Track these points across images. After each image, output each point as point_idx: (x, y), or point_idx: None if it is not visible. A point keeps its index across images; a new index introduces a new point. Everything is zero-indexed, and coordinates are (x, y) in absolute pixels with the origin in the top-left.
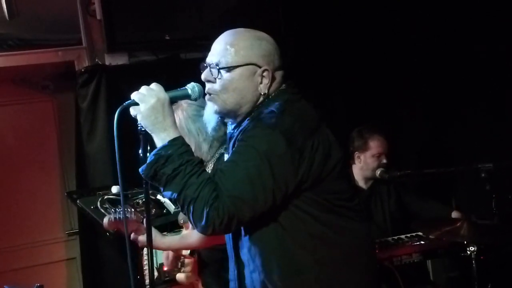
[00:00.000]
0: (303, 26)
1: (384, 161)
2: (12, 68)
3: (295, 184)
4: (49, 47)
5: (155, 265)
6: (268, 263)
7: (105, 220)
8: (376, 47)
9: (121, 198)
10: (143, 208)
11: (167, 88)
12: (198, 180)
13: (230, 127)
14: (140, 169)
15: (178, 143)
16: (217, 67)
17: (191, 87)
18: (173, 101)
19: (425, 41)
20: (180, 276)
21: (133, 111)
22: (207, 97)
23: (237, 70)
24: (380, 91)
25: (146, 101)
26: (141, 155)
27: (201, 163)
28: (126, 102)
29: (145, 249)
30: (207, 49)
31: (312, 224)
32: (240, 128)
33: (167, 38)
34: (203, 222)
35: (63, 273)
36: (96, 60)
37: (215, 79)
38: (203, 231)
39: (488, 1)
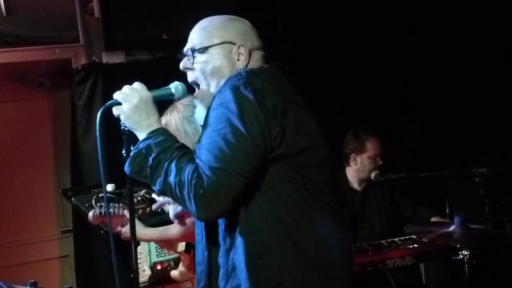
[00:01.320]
0: (300, 27)
1: (380, 162)
2: (8, 65)
3: (270, 148)
4: (46, 44)
5: (148, 264)
6: (241, 242)
7: (90, 214)
8: (372, 50)
9: (104, 196)
10: (137, 206)
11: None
12: (178, 164)
13: None
14: (125, 169)
15: (156, 133)
16: (193, 50)
17: (175, 86)
18: (156, 100)
19: (421, 44)
20: (174, 273)
21: (116, 111)
22: (195, 94)
23: (212, 50)
24: (375, 93)
25: (129, 100)
26: (124, 155)
27: (183, 147)
28: (108, 102)
29: (138, 248)
30: None
31: (281, 207)
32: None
33: (165, 37)
34: (193, 206)
35: (56, 270)
36: (93, 58)
37: (192, 64)
38: (199, 216)
39: (485, 9)
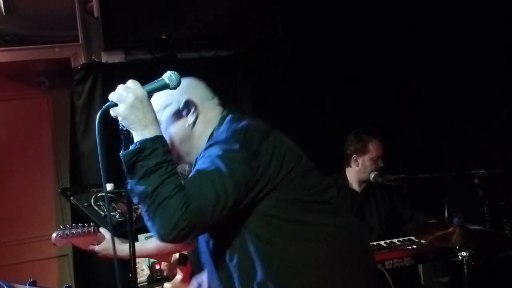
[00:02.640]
0: (300, 27)
1: (381, 164)
2: (7, 64)
3: (256, 186)
4: (45, 43)
5: (147, 263)
6: (249, 276)
7: (53, 235)
8: (372, 50)
9: (106, 199)
10: (136, 206)
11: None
12: (177, 182)
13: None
14: (120, 154)
15: (163, 140)
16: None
17: (168, 76)
18: (152, 94)
19: (421, 45)
20: (167, 286)
21: (112, 112)
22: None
23: (159, 115)
24: (375, 94)
25: (124, 100)
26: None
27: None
28: (105, 105)
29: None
30: (204, 48)
31: (286, 227)
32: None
33: (164, 37)
34: (170, 225)
35: (55, 269)
36: (93, 57)
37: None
38: (165, 233)
39: (484, 10)
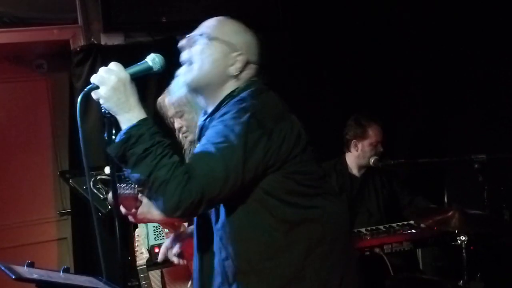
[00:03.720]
0: (300, 11)
1: (381, 149)
2: (6, 46)
3: (264, 166)
4: (44, 25)
5: (147, 246)
6: (242, 249)
7: (109, 196)
8: (373, 34)
9: (88, 186)
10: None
11: (163, 70)
12: (170, 161)
13: (201, 118)
14: (108, 149)
15: (149, 123)
16: (200, 35)
17: (151, 59)
18: (135, 76)
19: (420, 30)
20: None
21: (94, 95)
22: (185, 64)
23: (216, 43)
24: (375, 80)
25: (106, 83)
26: (106, 138)
27: (171, 145)
28: (87, 87)
29: (136, 230)
30: None
31: (282, 207)
32: (211, 119)
33: (164, 20)
34: (174, 204)
35: (54, 253)
36: (92, 39)
37: (194, 42)
38: (172, 212)
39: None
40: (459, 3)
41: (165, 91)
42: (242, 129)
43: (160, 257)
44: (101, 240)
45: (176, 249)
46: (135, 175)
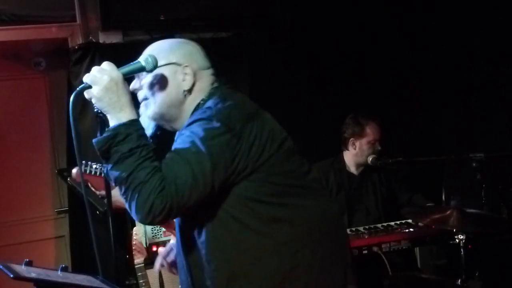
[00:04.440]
0: (299, 8)
1: (379, 147)
2: (4, 43)
3: (236, 169)
4: (42, 23)
5: (144, 245)
6: (228, 257)
7: (74, 170)
8: (372, 33)
9: (82, 182)
10: None
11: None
12: (152, 165)
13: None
14: (94, 140)
15: (138, 124)
16: (139, 73)
17: (144, 59)
18: (128, 76)
19: (419, 29)
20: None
21: (86, 94)
22: (142, 103)
23: (158, 71)
24: (373, 79)
25: (98, 82)
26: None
27: (155, 150)
28: (79, 87)
29: (134, 228)
30: (202, 30)
31: (264, 209)
32: (180, 133)
33: (162, 18)
34: (145, 209)
35: (51, 251)
36: (90, 37)
37: (140, 84)
38: (142, 217)
39: None
40: (458, 3)
41: None
42: (209, 134)
43: (156, 267)
44: (96, 238)
45: (170, 258)
46: (115, 173)
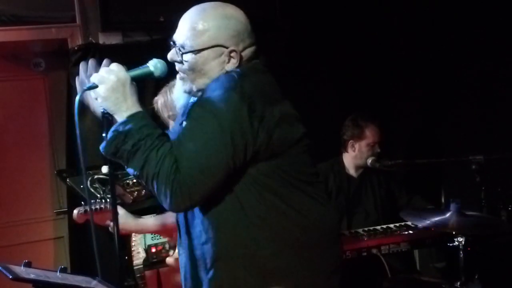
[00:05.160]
0: (299, 12)
1: (378, 150)
2: (3, 44)
3: (253, 152)
4: (42, 24)
5: (143, 246)
6: (222, 236)
7: (75, 212)
8: (370, 36)
9: (85, 187)
10: (133, 189)
11: (164, 76)
12: (158, 154)
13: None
14: (100, 147)
15: (137, 117)
16: (182, 51)
17: (153, 64)
18: (135, 80)
19: (419, 31)
20: (170, 260)
21: (93, 94)
22: (178, 75)
23: (202, 53)
24: (373, 80)
25: (105, 82)
26: (104, 137)
27: (163, 135)
28: (86, 86)
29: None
30: None
31: (270, 199)
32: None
33: (162, 19)
34: (167, 198)
35: (51, 251)
36: (90, 38)
37: (181, 60)
38: (169, 207)
39: None
40: (458, 5)
41: (160, 92)
42: (228, 113)
43: None
44: (96, 240)
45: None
46: (130, 171)
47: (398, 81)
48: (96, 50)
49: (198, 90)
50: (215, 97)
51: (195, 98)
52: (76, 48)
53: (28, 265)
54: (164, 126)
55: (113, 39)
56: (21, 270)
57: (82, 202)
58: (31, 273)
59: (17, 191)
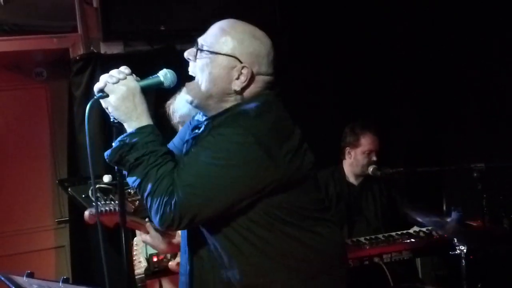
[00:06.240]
0: (299, 17)
1: (374, 158)
2: (5, 54)
3: (263, 190)
4: (44, 33)
5: (144, 256)
6: (234, 265)
7: (86, 213)
8: (370, 44)
9: (94, 193)
10: (134, 198)
11: (174, 86)
12: (158, 172)
13: (199, 116)
14: (105, 154)
15: (145, 131)
16: (201, 47)
17: (163, 74)
18: (145, 90)
19: (419, 39)
20: (172, 264)
21: (103, 103)
22: (185, 86)
23: (218, 57)
24: (373, 88)
25: (115, 91)
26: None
27: (167, 154)
28: (96, 95)
29: (135, 239)
30: None
31: (281, 228)
32: (211, 124)
33: (163, 28)
34: (157, 217)
35: (52, 261)
36: (91, 48)
37: (195, 57)
38: (159, 225)
39: (481, 3)
40: (458, 12)
41: (172, 97)
42: (240, 151)
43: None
44: (104, 249)
45: None
46: (129, 181)
47: (399, 89)
48: (98, 59)
49: (200, 98)
50: (229, 132)
51: (203, 118)
52: (77, 57)
53: (31, 275)
54: (174, 130)
55: (114, 49)
56: (23, 281)
57: (93, 203)
58: (34, 284)
59: (18, 200)
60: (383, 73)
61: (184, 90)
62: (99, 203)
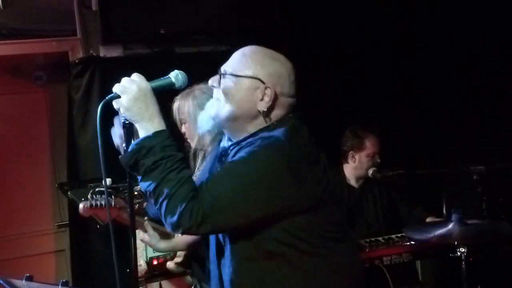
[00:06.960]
0: (299, 20)
1: (378, 160)
2: (5, 57)
3: (288, 211)
4: (43, 37)
5: (144, 259)
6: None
7: (81, 205)
8: (370, 46)
9: (105, 190)
10: (136, 201)
11: (185, 87)
12: (178, 176)
13: (225, 142)
14: (120, 157)
15: (163, 135)
16: (224, 73)
17: (175, 75)
18: (157, 91)
19: (419, 41)
20: (170, 265)
21: (115, 104)
22: (214, 98)
23: (240, 80)
24: (373, 88)
25: (127, 92)
26: (125, 148)
27: (183, 160)
28: (108, 96)
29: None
30: (202, 43)
31: (301, 248)
32: (238, 147)
33: (162, 32)
34: (174, 219)
35: (52, 265)
36: (91, 51)
37: (219, 83)
38: (173, 228)
39: (482, 5)
40: (458, 13)
41: (181, 93)
42: (270, 170)
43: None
44: (98, 250)
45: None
46: (143, 185)
47: (399, 89)
48: (97, 63)
49: (224, 120)
50: (261, 153)
51: (228, 144)
52: (77, 61)
53: (30, 279)
54: (175, 126)
55: (113, 52)
56: (23, 284)
57: (88, 196)
58: (33, 287)
59: (18, 204)
60: (383, 74)
61: (209, 106)
62: (95, 196)
